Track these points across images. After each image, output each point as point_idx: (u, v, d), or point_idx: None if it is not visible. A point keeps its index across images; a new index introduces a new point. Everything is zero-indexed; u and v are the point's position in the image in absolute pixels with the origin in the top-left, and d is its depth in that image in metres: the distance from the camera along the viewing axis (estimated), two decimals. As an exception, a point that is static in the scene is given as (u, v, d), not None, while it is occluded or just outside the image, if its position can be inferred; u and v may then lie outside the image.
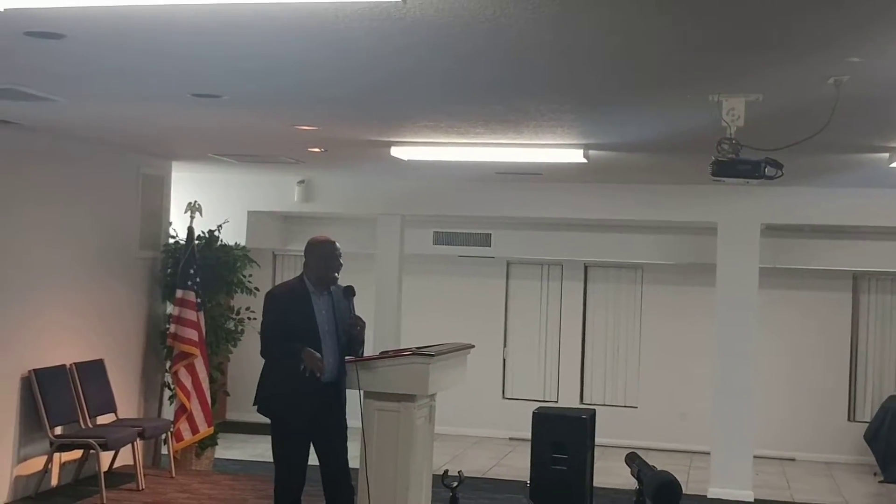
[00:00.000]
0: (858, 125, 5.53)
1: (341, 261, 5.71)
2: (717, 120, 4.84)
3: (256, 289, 9.19)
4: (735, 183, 5.40)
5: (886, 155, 6.68)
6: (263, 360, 5.66)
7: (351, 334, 5.58)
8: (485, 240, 11.50)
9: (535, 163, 7.62)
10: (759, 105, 4.78)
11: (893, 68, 4.11)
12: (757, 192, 8.73)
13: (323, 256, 5.64)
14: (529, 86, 4.88)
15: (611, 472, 8.91)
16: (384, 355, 5.87)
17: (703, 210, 9.26)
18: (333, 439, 5.62)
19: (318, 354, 5.42)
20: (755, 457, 9.19)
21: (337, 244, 5.72)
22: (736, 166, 4.72)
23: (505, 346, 11.94)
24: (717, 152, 4.75)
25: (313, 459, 5.70)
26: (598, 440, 7.42)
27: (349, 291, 5.67)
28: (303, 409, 5.46)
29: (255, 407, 5.70)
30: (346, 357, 5.64)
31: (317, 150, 7.67)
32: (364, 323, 5.69)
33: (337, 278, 5.68)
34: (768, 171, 4.76)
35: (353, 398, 5.70)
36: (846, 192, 8.87)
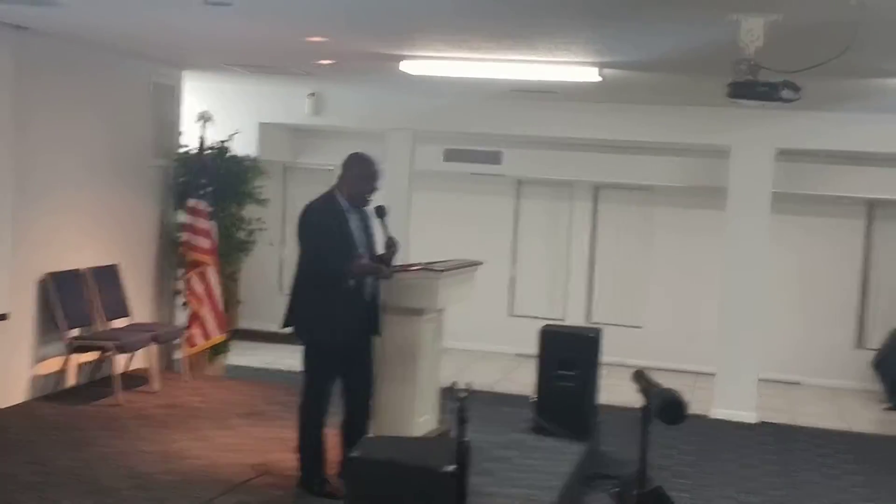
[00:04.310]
0: (879, 49, 5.46)
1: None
2: (735, 40, 4.78)
3: (267, 200, 9.24)
4: (751, 105, 5.36)
5: (905, 81, 6.61)
6: (297, 279, 5.30)
7: (386, 255, 5.32)
8: (495, 158, 11.47)
9: (548, 81, 7.55)
10: (779, 26, 4.71)
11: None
12: (772, 116, 8.66)
13: (367, 175, 5.36)
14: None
15: (615, 390, 9.00)
16: (393, 270, 5.83)
17: (717, 133, 9.20)
18: (364, 361, 5.42)
19: (366, 260, 5.26)
20: (760, 380, 9.30)
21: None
22: (753, 88, 4.68)
23: (513, 264, 12.00)
24: (735, 73, 4.71)
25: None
26: (603, 359, 7.50)
27: (382, 211, 5.41)
28: (346, 330, 5.22)
29: (289, 329, 5.35)
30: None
31: (326, 62, 7.61)
32: (399, 245, 5.39)
33: (371, 200, 5.43)
34: (786, 93, 4.72)
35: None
36: (862, 118, 8.79)
